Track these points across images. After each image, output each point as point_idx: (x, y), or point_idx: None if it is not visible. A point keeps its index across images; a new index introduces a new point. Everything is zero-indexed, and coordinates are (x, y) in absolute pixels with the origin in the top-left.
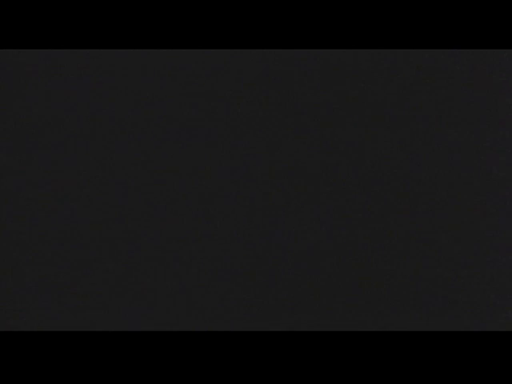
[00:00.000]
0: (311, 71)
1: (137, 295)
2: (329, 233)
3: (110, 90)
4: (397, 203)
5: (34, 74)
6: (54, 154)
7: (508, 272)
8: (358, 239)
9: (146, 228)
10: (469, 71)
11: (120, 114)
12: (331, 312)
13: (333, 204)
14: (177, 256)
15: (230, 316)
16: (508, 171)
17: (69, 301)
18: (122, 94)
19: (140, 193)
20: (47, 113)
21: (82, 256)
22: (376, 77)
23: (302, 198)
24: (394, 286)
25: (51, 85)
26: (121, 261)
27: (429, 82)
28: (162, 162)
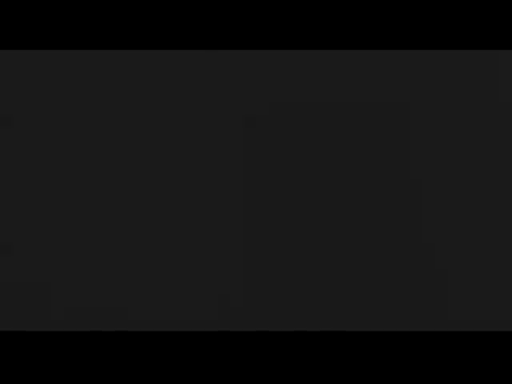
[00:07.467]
0: (311, 71)
1: (136, 295)
2: (329, 234)
3: (109, 90)
4: (397, 205)
5: (33, 74)
6: (52, 152)
7: (507, 272)
8: (359, 241)
9: (145, 229)
10: (468, 71)
11: (119, 114)
12: (331, 312)
13: (333, 205)
14: (177, 256)
15: (229, 316)
16: (508, 171)
17: (68, 301)
18: (121, 94)
19: (139, 194)
20: (44, 113)
21: (81, 256)
22: (376, 77)
23: (302, 199)
24: (395, 286)
25: (50, 85)
26: (120, 261)
27: (428, 82)
28: (161, 162)
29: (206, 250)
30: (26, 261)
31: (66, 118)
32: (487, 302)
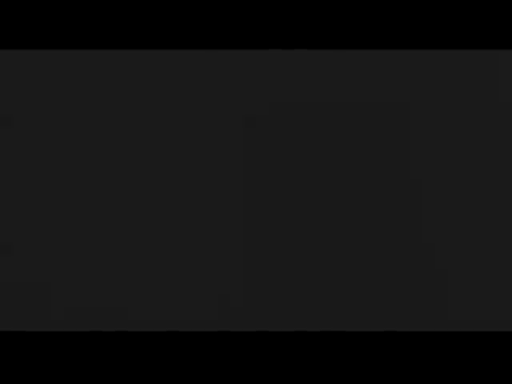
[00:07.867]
0: (311, 71)
1: (136, 295)
2: (329, 234)
3: (109, 90)
4: (398, 205)
5: (33, 74)
6: (52, 152)
7: (507, 272)
8: (359, 241)
9: (145, 230)
10: (468, 71)
11: (119, 114)
12: (331, 312)
13: (333, 205)
14: (176, 256)
15: (229, 316)
16: (508, 171)
17: (68, 301)
18: (121, 94)
19: (139, 194)
20: (41, 114)
21: (81, 256)
22: (376, 77)
23: (302, 199)
24: (395, 286)
25: (50, 85)
26: (120, 261)
27: (428, 82)
28: (161, 162)
29: (206, 250)
30: (26, 261)
31: (66, 117)
32: (487, 302)
